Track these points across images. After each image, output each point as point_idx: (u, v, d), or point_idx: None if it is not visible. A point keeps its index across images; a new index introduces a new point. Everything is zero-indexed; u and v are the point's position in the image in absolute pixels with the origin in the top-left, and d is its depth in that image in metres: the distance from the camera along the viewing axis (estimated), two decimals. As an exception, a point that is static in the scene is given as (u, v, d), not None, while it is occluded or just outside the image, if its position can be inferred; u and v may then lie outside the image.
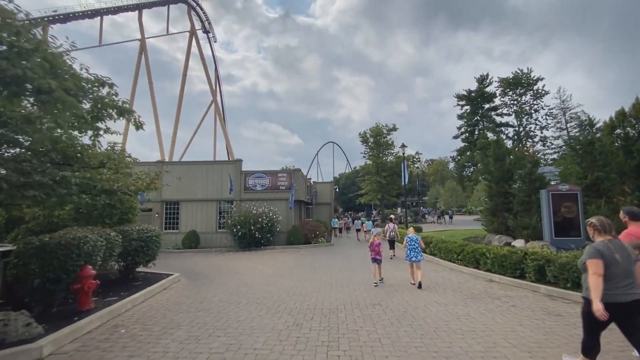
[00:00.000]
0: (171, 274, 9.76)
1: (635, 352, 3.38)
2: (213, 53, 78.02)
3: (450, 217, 36.57)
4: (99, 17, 63.41)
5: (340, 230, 27.46)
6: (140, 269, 9.95)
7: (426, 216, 38.14)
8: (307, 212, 28.78)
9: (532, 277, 7.69)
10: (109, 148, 7.19)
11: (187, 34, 71.70)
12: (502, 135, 43.26)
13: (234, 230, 17.28)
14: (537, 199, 12.77)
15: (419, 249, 8.23)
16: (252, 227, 17.00)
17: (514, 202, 13.60)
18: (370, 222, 23.53)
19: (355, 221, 23.12)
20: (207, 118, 76.14)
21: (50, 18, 56.11)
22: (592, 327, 3.27)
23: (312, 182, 33.69)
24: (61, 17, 57.80)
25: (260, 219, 17.30)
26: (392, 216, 17.33)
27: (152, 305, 6.87)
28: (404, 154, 21.19)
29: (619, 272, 3.13)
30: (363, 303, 6.70)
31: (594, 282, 3.10)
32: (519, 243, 12.97)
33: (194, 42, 69.32)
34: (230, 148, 70.07)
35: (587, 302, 3.21)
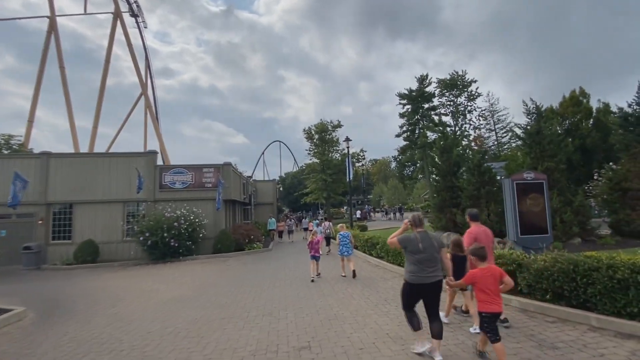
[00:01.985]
0: (11, 309, 6.48)
1: (474, 328, 4.45)
2: (143, 40, 69.36)
3: (401, 213, 36.65)
4: (-11, -16, 52.34)
5: (281, 233, 22.66)
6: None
7: (371, 214, 37.69)
8: (244, 214, 25.80)
9: (501, 286, 6.17)
10: None
11: (111, 16, 62.87)
12: (440, 135, 44.82)
13: (142, 238, 13.84)
14: (487, 192, 11.86)
15: (350, 244, 9.22)
16: (166, 234, 13.73)
17: (462, 196, 12.60)
18: (315, 222, 22.04)
19: (303, 220, 21.85)
20: (139, 114, 67.52)
21: None
22: (408, 302, 3.88)
23: (250, 180, 30.69)
24: None
25: (176, 224, 14.09)
26: (326, 215, 16.01)
27: None
28: (348, 148, 19.59)
29: (423, 259, 3.73)
30: (286, 346, 4.43)
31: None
32: (468, 241, 11.93)
33: (120, 29, 60.91)
34: (163, 145, 62.97)
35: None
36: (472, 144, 13.48)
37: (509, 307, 5.69)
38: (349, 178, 19.77)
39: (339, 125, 39.60)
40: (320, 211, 51.13)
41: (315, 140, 39.67)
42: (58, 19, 56.79)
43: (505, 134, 41.55)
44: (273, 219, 23.18)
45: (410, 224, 4.05)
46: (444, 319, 4.77)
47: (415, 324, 3.81)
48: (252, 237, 16.99)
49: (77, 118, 52.93)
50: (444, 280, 3.89)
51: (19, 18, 64.61)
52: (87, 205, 16.04)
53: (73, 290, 9.23)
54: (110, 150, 61.87)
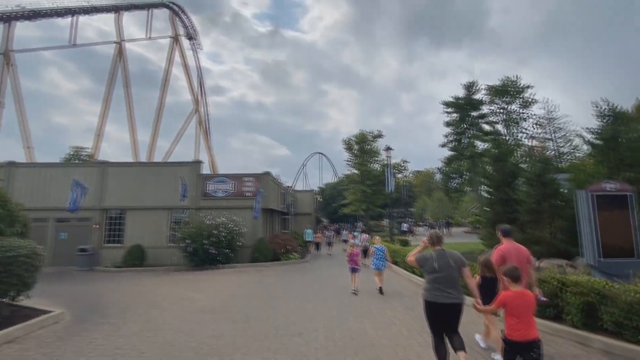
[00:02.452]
0: (51, 311, 6.72)
1: (495, 355, 4.25)
2: (197, 61, 75.08)
3: (448, 228, 34.27)
4: (70, 16, 59.93)
5: (318, 245, 21.13)
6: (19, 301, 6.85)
7: (413, 228, 35.61)
8: (282, 224, 25.83)
9: (577, 320, 5.08)
10: None
11: (170, 40, 68.85)
12: (490, 145, 41.71)
13: (182, 245, 14.20)
14: (551, 206, 10.38)
15: (385, 258, 9.06)
16: (206, 241, 13.95)
17: (521, 210, 11.18)
18: (355, 232, 21.87)
19: (342, 231, 21.05)
20: (193, 128, 72.35)
21: (16, 14, 52.52)
22: (430, 324, 3.74)
23: (290, 190, 30.85)
24: (28, 13, 54.15)
25: (215, 231, 14.28)
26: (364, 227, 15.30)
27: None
28: (388, 158, 18.77)
29: (439, 278, 3.60)
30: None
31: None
32: (528, 261, 10.48)
33: (177, 51, 66.45)
34: (212, 157, 66.53)
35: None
36: (532, 151, 11.85)
37: (589, 348, 4.61)
38: (389, 189, 18.85)
39: (380, 135, 38.65)
40: (359, 223, 49.98)
41: (354, 151, 39.06)
42: (126, 44, 63.24)
43: (565, 144, 37.57)
44: (310, 230, 21.50)
45: (429, 242, 3.90)
46: (481, 344, 4.67)
47: (441, 354, 3.59)
48: (289, 247, 16.73)
49: (140, 132, 58.14)
50: (473, 303, 3.59)
51: (94, 44, 73.05)
52: (137, 212, 16.99)
53: (114, 293, 9.53)
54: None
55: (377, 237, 10.62)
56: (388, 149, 18.89)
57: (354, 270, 8.91)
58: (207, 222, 14.58)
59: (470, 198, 60.14)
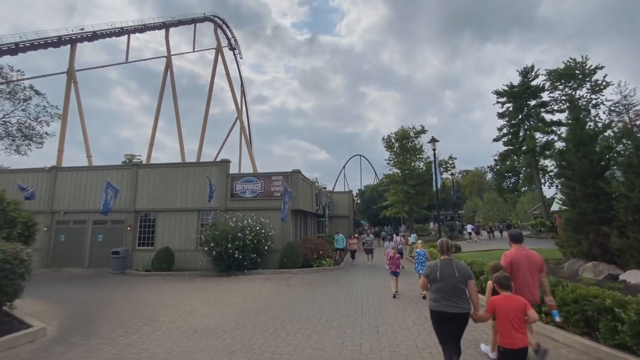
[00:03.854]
0: (31, 327, 5.79)
1: (485, 346, 4.58)
2: (239, 70, 77.50)
3: (501, 231, 30.14)
4: (126, 36, 64.84)
5: (354, 253, 16.67)
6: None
7: (465, 233, 31.81)
8: (317, 227, 24.34)
9: None
10: None
11: (214, 51, 71.75)
12: (553, 136, 36.52)
13: (206, 248, 13.26)
14: (670, 201, 7.57)
15: (427, 262, 8.45)
16: (230, 245, 12.86)
17: (618, 208, 8.42)
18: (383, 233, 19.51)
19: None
20: (236, 136, 74.46)
21: (78, 36, 57.96)
22: (437, 333, 3.68)
23: (324, 191, 29.31)
24: (88, 34, 59.46)
25: (240, 234, 13.14)
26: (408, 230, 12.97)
27: None
28: (434, 150, 16.39)
29: (443, 288, 3.55)
30: None
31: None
32: (634, 276, 7.74)
33: (220, 60, 69.03)
34: (254, 164, 67.68)
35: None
36: (631, 128, 8.90)
37: None
38: (436, 186, 16.43)
39: (423, 131, 35.67)
40: (403, 227, 46.89)
41: (395, 149, 36.47)
42: (174, 59, 66.90)
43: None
44: (341, 235, 17.43)
45: (438, 250, 3.91)
46: (490, 355, 4.45)
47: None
48: (321, 252, 15.13)
49: (191, 142, 61.06)
50: (470, 313, 3.55)
51: (144, 59, 78.43)
52: (167, 213, 16.57)
53: (121, 303, 8.64)
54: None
55: (420, 241, 10.31)
56: (433, 140, 16.50)
57: (394, 274, 8.95)
58: (232, 224, 13.49)
59: (529, 198, 53.92)
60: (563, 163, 10.46)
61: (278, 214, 15.15)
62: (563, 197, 10.75)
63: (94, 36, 63.24)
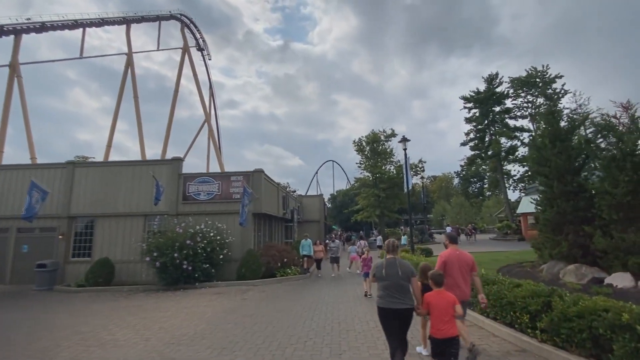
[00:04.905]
0: None
1: (420, 348, 4.73)
2: (208, 72, 74.29)
3: (469, 235, 30.20)
4: (81, 29, 60.01)
5: (320, 262, 14.55)
6: None
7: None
8: (285, 232, 22.85)
9: None
10: None
11: (181, 51, 68.06)
12: (516, 142, 37.75)
13: (148, 259, 11.42)
14: (657, 197, 7.00)
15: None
16: (177, 254, 11.10)
17: (601, 206, 7.83)
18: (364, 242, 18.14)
19: (352, 246, 15.29)
20: (205, 140, 70.63)
21: (24, 27, 52.77)
22: (383, 328, 3.87)
23: (293, 194, 27.89)
24: (36, 25, 54.34)
25: (190, 241, 11.43)
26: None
27: None
28: (405, 150, 15.61)
29: (387, 285, 3.74)
30: None
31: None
32: (620, 279, 7.09)
33: (187, 62, 65.57)
34: (223, 168, 64.56)
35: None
36: (611, 121, 8.46)
37: None
38: (408, 187, 15.63)
39: (393, 135, 35.35)
40: (374, 231, 46.38)
41: (366, 153, 35.86)
42: (140, 60, 62.47)
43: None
44: (309, 240, 14.64)
45: (385, 250, 4.07)
46: (422, 352, 4.66)
47: (397, 358, 3.69)
48: (285, 260, 13.70)
49: (156, 146, 56.78)
50: (414, 307, 3.80)
51: (102, 55, 73.31)
52: (108, 219, 14.41)
53: (15, 331, 6.74)
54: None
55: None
56: (404, 140, 15.74)
57: (366, 275, 9.25)
58: (179, 229, 11.74)
59: (493, 202, 55.74)
60: (537, 160, 9.89)
61: (237, 218, 13.56)
62: (538, 198, 10.19)
63: (42, 27, 57.82)
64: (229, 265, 13.15)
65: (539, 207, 9.96)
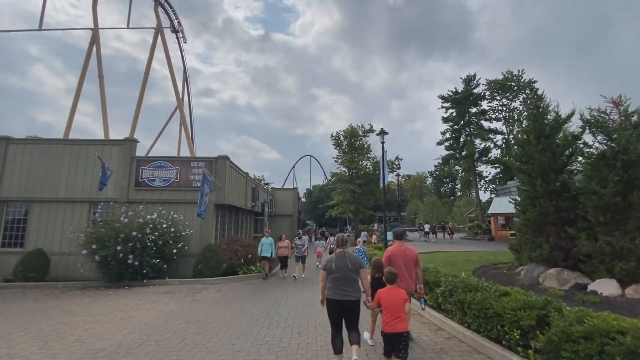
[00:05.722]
0: None
1: (367, 335, 4.89)
2: (182, 55, 70.10)
3: (450, 234, 30.35)
4: (39, -3, 54.60)
5: (285, 261, 12.16)
6: None
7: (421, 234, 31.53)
8: (254, 227, 21.58)
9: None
10: None
11: (152, 31, 63.48)
12: (490, 143, 38.42)
13: (84, 252, 9.90)
14: (647, 199, 6.53)
15: (365, 259, 9.65)
16: (121, 247, 9.65)
17: (587, 206, 7.32)
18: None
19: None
20: (176, 127, 66.70)
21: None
22: (330, 318, 3.98)
23: (264, 187, 26.58)
24: (-15, -11, 48.86)
25: (136, 233, 9.99)
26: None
27: None
28: (382, 143, 14.83)
29: (337, 278, 3.92)
30: None
31: (320, 286, 4.09)
32: (606, 286, 6.59)
33: (160, 43, 61.24)
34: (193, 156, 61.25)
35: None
36: (601, 117, 7.94)
37: None
38: (384, 182, 14.89)
39: (371, 130, 34.76)
40: (348, 227, 45.97)
41: (343, 147, 35.08)
42: (110, 40, 57.58)
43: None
44: (269, 239, 12.07)
45: (334, 245, 4.36)
46: (369, 341, 4.80)
47: (337, 346, 3.86)
48: (249, 255, 12.54)
49: (123, 131, 52.64)
50: (362, 301, 4.02)
51: (64, 29, 67.35)
52: (46, 204, 12.58)
53: None
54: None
55: (360, 239, 10.92)
56: (382, 132, 14.95)
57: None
58: (124, 219, 10.25)
59: (464, 202, 57.05)
60: (520, 157, 9.36)
61: (196, 208, 12.21)
62: (517, 198, 9.70)
63: (-7, -8, 52.70)
64: (185, 261, 11.83)
65: (519, 207, 9.44)
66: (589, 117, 7.54)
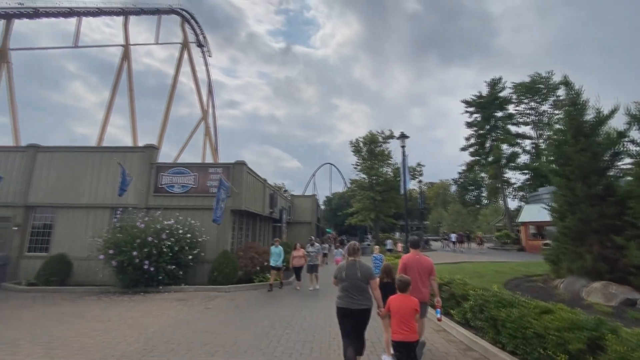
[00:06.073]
0: None
1: (385, 357, 4.57)
2: (207, 68, 72.51)
3: (480, 243, 28.56)
4: (75, 18, 58.39)
5: (299, 272, 11.22)
6: None
7: (446, 242, 30.20)
8: (272, 233, 21.37)
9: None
10: None
11: (179, 46, 66.04)
12: (517, 149, 36.52)
13: (101, 256, 9.94)
14: None
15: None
16: (137, 252, 9.62)
17: (638, 212, 6.47)
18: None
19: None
20: (201, 138, 68.75)
21: (16, 12, 51.19)
22: (340, 327, 4.00)
23: (283, 194, 26.41)
24: (29, 11, 52.75)
25: (152, 238, 9.95)
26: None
27: None
28: (403, 147, 14.25)
29: (347, 287, 3.94)
30: None
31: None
32: (662, 304, 5.69)
33: (187, 57, 63.60)
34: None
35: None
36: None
37: None
38: (405, 189, 14.25)
39: (391, 136, 34.00)
40: (369, 235, 44.94)
41: (363, 154, 34.52)
42: (141, 56, 60.94)
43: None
44: (279, 248, 10.99)
45: (346, 253, 4.65)
46: (387, 359, 4.54)
47: (348, 357, 3.74)
48: (266, 263, 12.23)
49: (151, 142, 54.83)
50: (377, 311, 3.98)
51: (97, 46, 71.49)
52: (70, 210, 12.91)
53: None
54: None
55: (377, 247, 11.02)
56: (403, 136, 14.39)
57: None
58: (140, 224, 10.25)
59: (491, 210, 54.48)
60: (556, 158, 8.55)
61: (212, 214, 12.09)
62: (551, 204, 8.85)
63: (35, 13, 56.20)
64: (201, 267, 11.69)
65: (555, 214, 8.59)
66: (636, 112, 6.73)
